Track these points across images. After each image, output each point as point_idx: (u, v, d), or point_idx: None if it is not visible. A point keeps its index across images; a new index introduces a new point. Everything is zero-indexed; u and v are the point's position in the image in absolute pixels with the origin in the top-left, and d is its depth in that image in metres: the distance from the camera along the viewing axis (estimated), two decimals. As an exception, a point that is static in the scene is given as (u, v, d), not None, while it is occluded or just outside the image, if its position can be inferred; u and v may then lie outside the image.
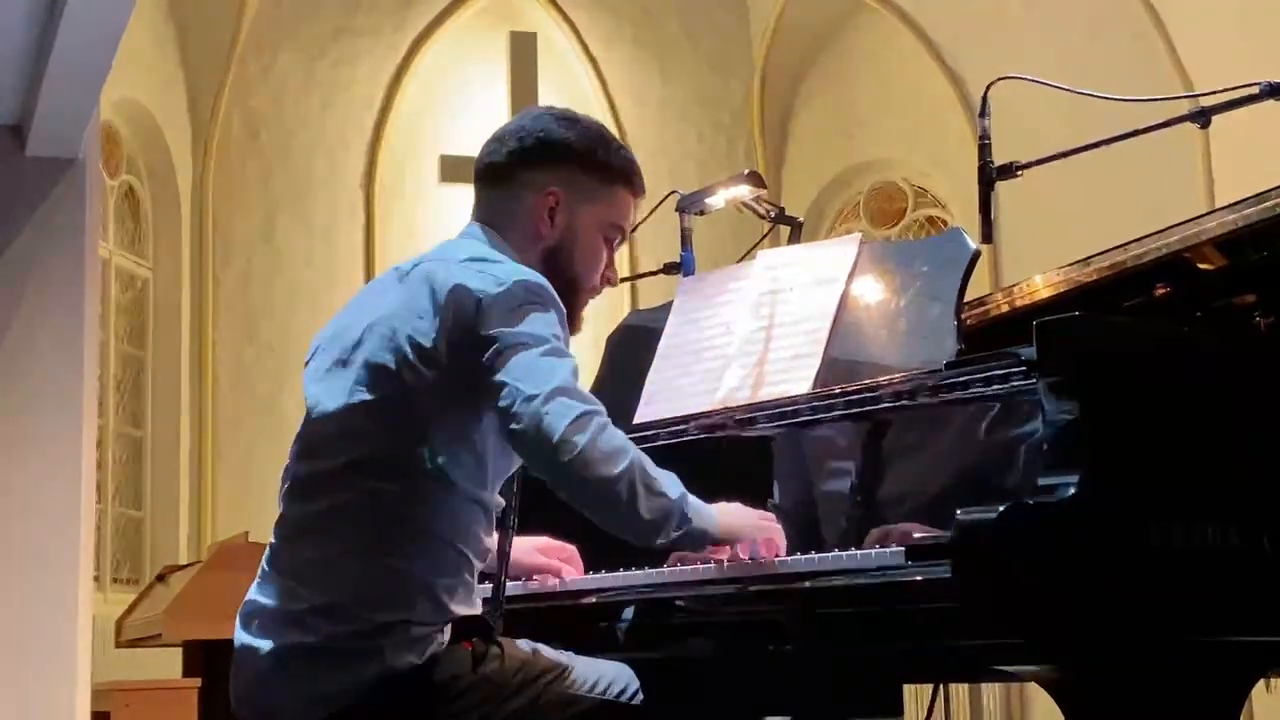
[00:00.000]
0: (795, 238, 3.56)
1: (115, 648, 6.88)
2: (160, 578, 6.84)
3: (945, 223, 9.68)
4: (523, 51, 9.86)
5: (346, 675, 2.27)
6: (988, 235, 2.94)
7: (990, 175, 2.93)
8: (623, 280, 2.84)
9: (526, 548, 2.72)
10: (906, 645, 2.41)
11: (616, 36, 10.02)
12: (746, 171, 3.67)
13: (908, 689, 3.00)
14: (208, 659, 5.90)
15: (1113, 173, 7.08)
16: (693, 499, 2.35)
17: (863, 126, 10.00)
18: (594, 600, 2.68)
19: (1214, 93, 2.83)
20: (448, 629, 2.34)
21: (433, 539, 2.34)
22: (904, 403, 2.56)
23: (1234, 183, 7.38)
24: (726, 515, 2.42)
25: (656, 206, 3.49)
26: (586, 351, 2.62)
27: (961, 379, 2.48)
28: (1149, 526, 2.20)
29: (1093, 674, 2.25)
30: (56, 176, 5.43)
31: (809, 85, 10.18)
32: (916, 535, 2.26)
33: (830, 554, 2.35)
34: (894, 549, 2.26)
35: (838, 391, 2.66)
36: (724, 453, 2.79)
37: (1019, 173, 2.97)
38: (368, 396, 2.36)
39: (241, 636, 2.40)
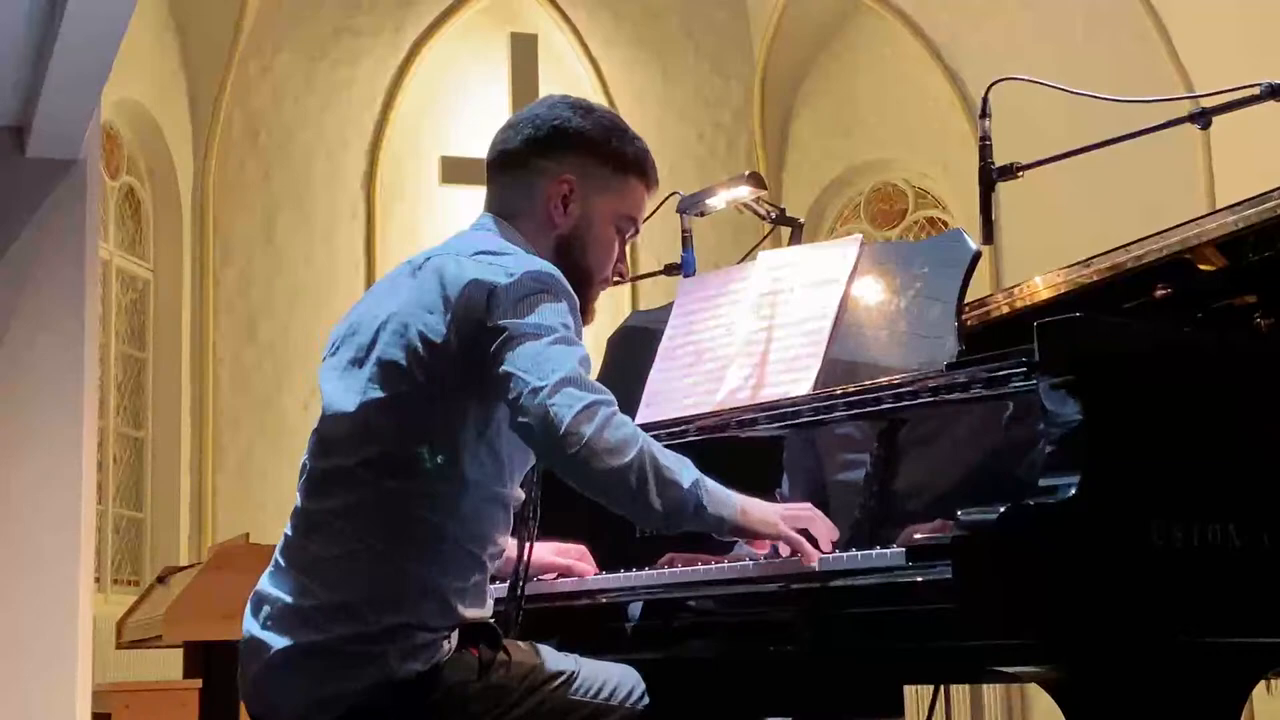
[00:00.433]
0: (796, 239, 3.56)
1: (116, 649, 6.89)
2: (161, 579, 6.84)
3: (946, 223, 9.69)
4: (523, 52, 9.87)
5: (350, 680, 2.25)
6: (988, 236, 2.93)
7: (991, 176, 2.93)
8: (624, 281, 2.83)
9: (539, 549, 2.70)
10: (908, 646, 2.40)
11: (616, 37, 10.03)
12: (747, 172, 3.67)
13: (908, 689, 3.00)
14: (208, 660, 5.91)
15: (1113, 173, 7.08)
16: (710, 485, 2.29)
17: (863, 127, 10.01)
18: (594, 601, 2.68)
19: (1214, 93, 2.83)
20: (455, 635, 2.32)
21: (444, 540, 2.31)
22: (905, 404, 2.56)
23: (1234, 183, 7.39)
24: (750, 505, 2.35)
25: (658, 207, 3.49)
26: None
27: (962, 380, 2.48)
28: (1149, 527, 2.20)
29: (1094, 675, 2.25)
30: (57, 178, 5.43)
31: (809, 86, 10.19)
32: (917, 536, 2.26)
33: (831, 555, 2.35)
34: (895, 550, 2.26)
35: (838, 392, 2.66)
36: (724, 454, 2.79)
37: (1019, 173, 2.97)
38: (381, 394, 2.34)
39: (251, 627, 2.37)
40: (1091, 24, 8.79)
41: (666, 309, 3.12)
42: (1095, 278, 2.77)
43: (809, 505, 2.43)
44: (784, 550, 2.39)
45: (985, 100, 2.98)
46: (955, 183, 9.44)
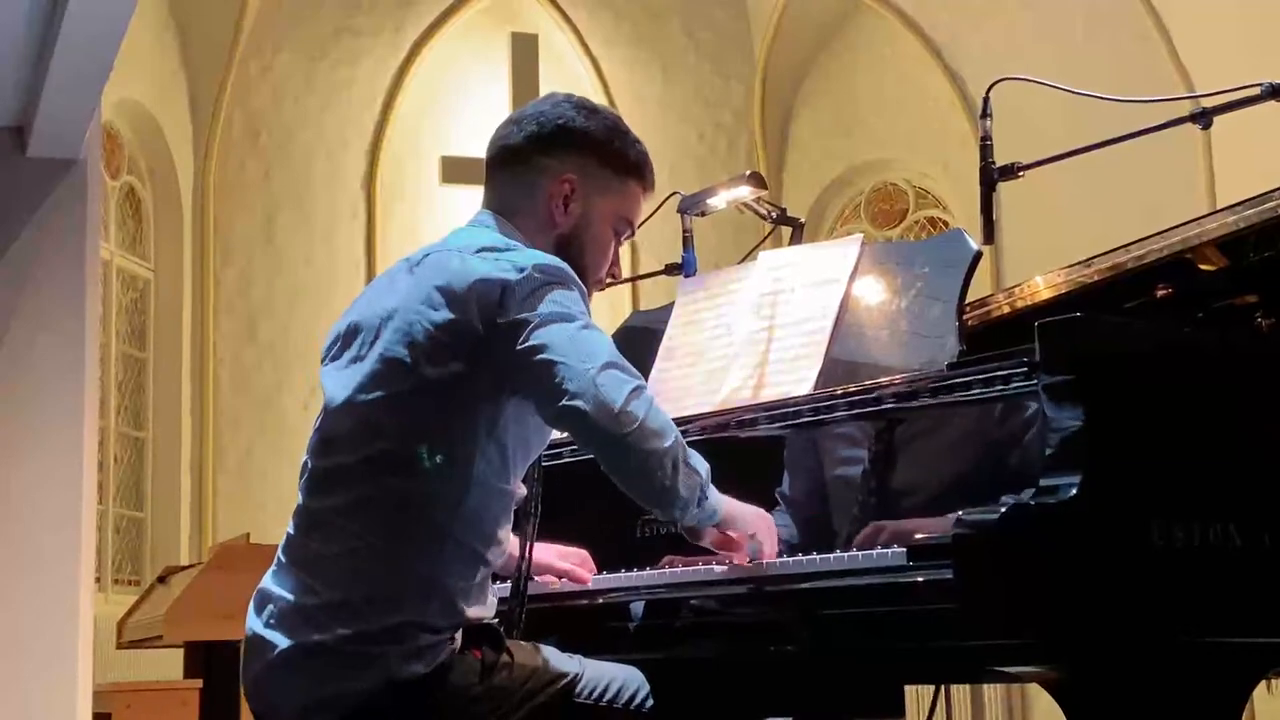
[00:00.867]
0: (796, 239, 3.55)
1: (116, 649, 6.88)
2: (161, 579, 6.84)
3: (946, 223, 9.68)
4: (524, 52, 9.87)
5: (351, 681, 2.24)
6: (989, 236, 2.93)
7: (991, 176, 2.93)
8: (624, 281, 2.83)
9: (541, 551, 2.68)
10: (908, 646, 2.40)
11: (617, 37, 10.03)
12: (748, 172, 3.67)
13: (909, 689, 3.00)
14: (209, 660, 5.91)
15: (1113, 173, 7.08)
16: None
17: (863, 127, 10.01)
18: (593, 601, 2.68)
19: (1215, 93, 2.83)
20: (458, 636, 2.31)
21: (447, 537, 2.30)
22: (906, 404, 2.56)
23: (1235, 183, 7.39)
24: (728, 503, 2.42)
25: (658, 207, 3.49)
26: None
27: (963, 380, 2.48)
28: (1150, 527, 2.20)
29: (1094, 675, 2.25)
30: (58, 177, 5.42)
31: (809, 85, 10.19)
32: (918, 536, 2.26)
33: (832, 555, 2.35)
34: (896, 550, 2.26)
35: (839, 392, 2.66)
36: (725, 454, 2.79)
37: (1020, 173, 2.97)
38: (383, 391, 2.33)
39: (254, 625, 2.36)
40: (1091, 24, 8.79)
41: (667, 309, 3.12)
42: (1096, 277, 2.77)
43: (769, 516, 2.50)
44: (768, 552, 2.43)
45: (986, 100, 2.98)
46: (956, 183, 9.43)
